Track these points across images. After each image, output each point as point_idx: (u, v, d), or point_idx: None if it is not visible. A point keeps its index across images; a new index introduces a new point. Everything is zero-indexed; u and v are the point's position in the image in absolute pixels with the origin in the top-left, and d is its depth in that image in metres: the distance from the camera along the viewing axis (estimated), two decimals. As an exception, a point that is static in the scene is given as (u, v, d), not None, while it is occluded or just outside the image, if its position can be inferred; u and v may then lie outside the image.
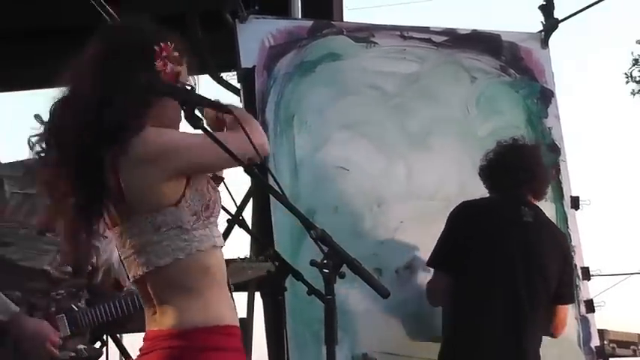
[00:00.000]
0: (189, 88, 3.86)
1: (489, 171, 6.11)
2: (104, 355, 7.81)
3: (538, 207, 6.10)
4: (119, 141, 3.68)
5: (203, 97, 3.85)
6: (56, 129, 3.78)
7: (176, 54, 3.84)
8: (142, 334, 3.98)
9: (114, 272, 5.44)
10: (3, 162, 5.49)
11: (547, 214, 6.84)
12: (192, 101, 3.83)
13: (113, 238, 4.34)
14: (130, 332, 7.25)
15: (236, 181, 4.44)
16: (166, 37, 3.83)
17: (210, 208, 3.82)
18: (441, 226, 6.51)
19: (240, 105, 6.36)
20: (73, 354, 5.28)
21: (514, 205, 6.01)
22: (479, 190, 6.70)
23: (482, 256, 5.89)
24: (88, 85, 3.72)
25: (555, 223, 6.85)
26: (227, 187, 4.01)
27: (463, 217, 6.04)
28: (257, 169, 4.07)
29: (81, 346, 5.33)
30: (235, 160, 3.71)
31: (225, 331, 3.83)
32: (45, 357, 5.17)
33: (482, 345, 5.81)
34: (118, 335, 7.69)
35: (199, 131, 3.69)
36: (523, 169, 6.01)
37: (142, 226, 3.76)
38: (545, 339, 6.19)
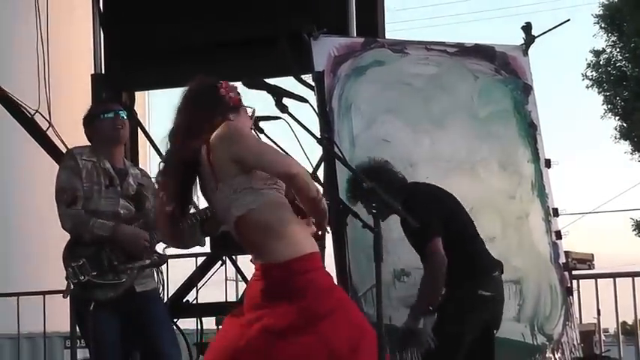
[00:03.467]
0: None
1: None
2: (223, 270, 7.75)
3: None
4: (204, 133, 3.82)
5: (287, 90, 3.87)
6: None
7: (233, 86, 3.98)
8: (249, 256, 3.96)
9: None
10: None
11: (528, 173, 6.79)
12: (279, 93, 3.82)
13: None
14: (242, 254, 7.23)
15: (312, 150, 4.39)
16: (222, 81, 4.00)
17: (273, 178, 3.80)
18: (453, 180, 6.47)
19: (314, 97, 6.33)
20: (148, 261, 5.37)
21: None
22: (480, 154, 6.66)
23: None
24: (185, 110, 3.94)
25: (534, 178, 6.79)
26: (306, 154, 3.98)
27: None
28: (326, 141, 4.02)
29: (154, 256, 5.43)
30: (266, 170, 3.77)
31: (311, 256, 3.80)
32: (143, 244, 5.30)
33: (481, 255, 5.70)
34: (233, 256, 7.66)
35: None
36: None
37: (225, 188, 3.76)
38: (528, 258, 6.14)
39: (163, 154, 3.96)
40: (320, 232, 3.90)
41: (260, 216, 3.76)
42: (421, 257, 5.58)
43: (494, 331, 5.64)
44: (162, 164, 3.94)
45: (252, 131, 4.00)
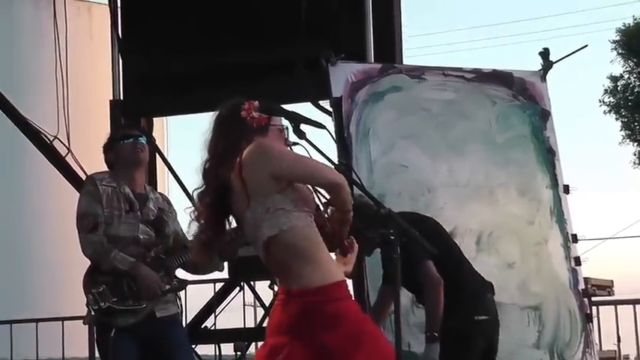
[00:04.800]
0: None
1: None
2: (241, 296, 7.75)
3: None
4: (230, 157, 3.77)
5: (304, 116, 3.84)
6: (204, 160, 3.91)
7: (258, 106, 3.86)
8: (268, 282, 3.94)
9: (180, 237, 5.48)
10: None
11: (546, 199, 6.75)
12: (297, 119, 3.81)
13: (176, 216, 5.34)
14: (260, 280, 7.22)
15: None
16: (252, 101, 3.89)
17: (306, 200, 3.76)
18: (471, 206, 6.45)
19: (332, 123, 6.33)
20: (168, 286, 5.37)
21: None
22: (498, 180, 6.64)
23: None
24: (213, 136, 3.88)
25: (552, 204, 6.75)
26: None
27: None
28: (344, 166, 4.01)
29: (173, 282, 5.43)
30: (310, 181, 3.76)
31: (341, 284, 3.76)
32: (155, 290, 5.29)
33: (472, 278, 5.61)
34: (252, 282, 7.65)
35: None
36: None
37: (257, 208, 3.72)
38: (548, 284, 6.09)
39: (199, 180, 3.94)
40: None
41: (291, 238, 3.71)
42: (412, 286, 5.48)
43: (495, 355, 5.55)
44: (198, 192, 3.92)
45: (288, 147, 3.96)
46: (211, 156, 3.86)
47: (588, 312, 6.70)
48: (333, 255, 3.97)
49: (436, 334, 5.27)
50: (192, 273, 5.69)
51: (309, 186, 3.84)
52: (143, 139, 5.52)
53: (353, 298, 3.88)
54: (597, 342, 7.32)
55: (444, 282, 5.32)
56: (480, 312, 5.44)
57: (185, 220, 4.12)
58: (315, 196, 3.83)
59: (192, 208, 3.93)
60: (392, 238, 3.85)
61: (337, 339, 3.65)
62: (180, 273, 5.57)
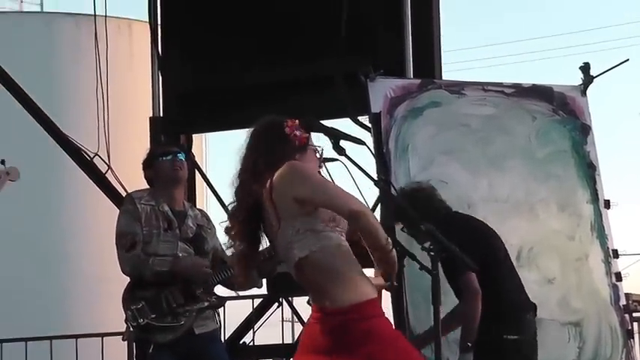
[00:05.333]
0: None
1: None
2: (280, 312, 7.75)
3: None
4: (267, 174, 3.78)
5: (344, 132, 3.86)
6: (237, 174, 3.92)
7: (299, 125, 3.89)
8: (306, 298, 3.94)
9: (219, 254, 5.52)
10: None
11: (587, 214, 6.71)
12: (336, 135, 3.83)
13: (215, 232, 5.34)
14: (299, 296, 7.22)
15: (369, 192, 4.38)
16: (293, 119, 3.92)
17: (336, 220, 3.77)
18: (511, 221, 6.42)
19: (371, 139, 6.34)
20: (207, 303, 5.40)
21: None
22: (538, 195, 6.61)
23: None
24: (251, 151, 3.90)
25: (593, 220, 6.70)
26: (363, 195, 3.95)
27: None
28: (383, 182, 4.01)
29: (212, 298, 5.48)
30: (330, 207, 3.73)
31: (373, 302, 3.77)
32: (203, 273, 5.37)
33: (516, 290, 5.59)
34: (290, 298, 7.66)
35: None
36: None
37: (287, 230, 3.74)
38: (588, 299, 6.05)
39: (231, 195, 3.95)
40: (389, 284, 3.87)
41: (322, 258, 3.73)
42: (455, 291, 5.48)
43: None
44: (231, 206, 3.93)
45: (321, 170, 3.97)
46: (248, 173, 3.86)
47: (629, 328, 6.66)
48: (370, 270, 3.98)
49: (470, 345, 5.28)
50: (232, 289, 5.71)
51: None
52: (182, 156, 5.56)
53: (385, 316, 3.88)
54: (639, 359, 7.26)
55: (485, 292, 5.32)
56: (512, 331, 5.40)
57: (224, 235, 4.14)
58: None
59: (225, 222, 3.96)
60: (432, 254, 3.85)
61: (371, 352, 3.67)
62: (219, 289, 5.60)
